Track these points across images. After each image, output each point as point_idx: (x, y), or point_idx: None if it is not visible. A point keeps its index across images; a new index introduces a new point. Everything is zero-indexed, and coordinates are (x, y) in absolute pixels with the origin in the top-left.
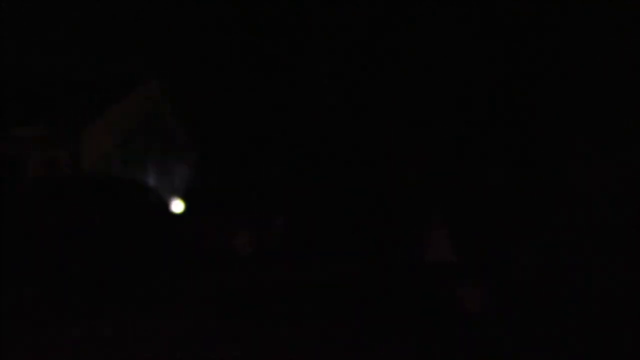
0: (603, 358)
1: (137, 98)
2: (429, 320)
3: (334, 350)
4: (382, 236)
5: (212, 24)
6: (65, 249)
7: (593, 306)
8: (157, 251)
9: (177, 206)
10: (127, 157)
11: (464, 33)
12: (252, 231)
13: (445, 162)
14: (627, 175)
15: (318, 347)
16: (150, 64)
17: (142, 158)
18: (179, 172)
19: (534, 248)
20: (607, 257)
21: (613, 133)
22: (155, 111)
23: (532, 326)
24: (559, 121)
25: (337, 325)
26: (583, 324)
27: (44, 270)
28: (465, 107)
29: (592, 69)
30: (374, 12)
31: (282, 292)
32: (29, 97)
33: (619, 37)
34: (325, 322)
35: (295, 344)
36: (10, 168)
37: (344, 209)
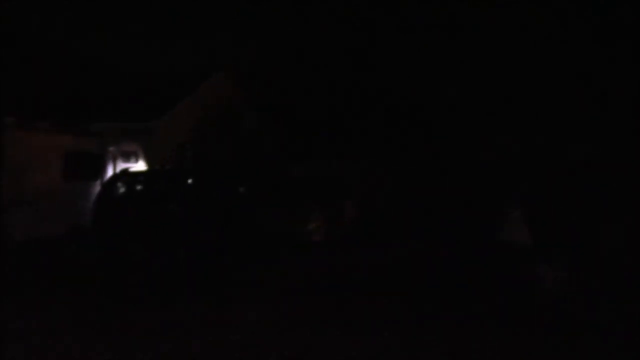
0: None
1: (209, 89)
2: (510, 297)
3: (412, 327)
4: (458, 218)
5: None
6: (142, 239)
7: None
8: (232, 240)
9: (252, 194)
10: (200, 149)
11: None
12: (324, 217)
13: (523, 142)
14: None
15: (397, 327)
16: (223, 56)
17: (215, 149)
18: (251, 162)
19: (617, 228)
20: None
21: None
22: (228, 101)
23: (612, 304)
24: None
25: (412, 304)
26: None
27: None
28: (543, 89)
29: None
30: None
31: (356, 274)
32: (105, 93)
33: None
34: (401, 301)
35: (369, 324)
36: (92, 162)
37: (418, 194)
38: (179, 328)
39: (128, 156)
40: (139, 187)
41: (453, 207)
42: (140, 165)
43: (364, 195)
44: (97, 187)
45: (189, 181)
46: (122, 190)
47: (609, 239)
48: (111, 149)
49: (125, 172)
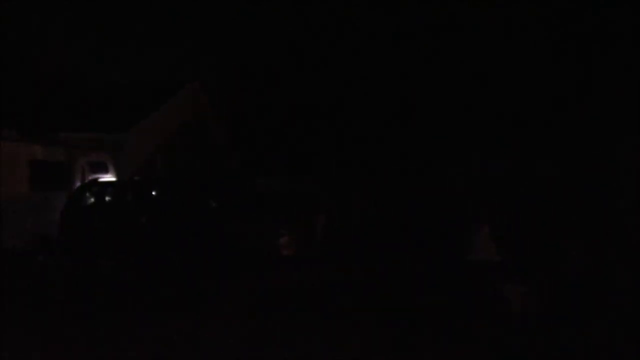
0: None
1: (180, 102)
2: (476, 316)
3: (377, 347)
4: (426, 236)
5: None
6: (109, 250)
7: None
8: (201, 252)
9: (221, 208)
10: (169, 160)
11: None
12: (295, 232)
13: (490, 161)
14: None
15: (362, 344)
16: (194, 69)
17: (185, 161)
18: (221, 174)
19: (583, 247)
20: None
21: None
22: (197, 115)
23: (579, 324)
24: (608, 120)
25: (379, 323)
26: (631, 323)
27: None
28: (511, 104)
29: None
30: None
31: (326, 291)
32: (75, 102)
33: None
34: (368, 319)
35: (336, 340)
36: (60, 172)
37: (388, 211)
38: (141, 342)
39: (97, 166)
40: (107, 198)
41: (423, 224)
42: (109, 176)
43: (336, 211)
44: (64, 197)
45: (158, 193)
46: (90, 200)
47: (575, 255)
48: (80, 159)
49: (93, 182)
